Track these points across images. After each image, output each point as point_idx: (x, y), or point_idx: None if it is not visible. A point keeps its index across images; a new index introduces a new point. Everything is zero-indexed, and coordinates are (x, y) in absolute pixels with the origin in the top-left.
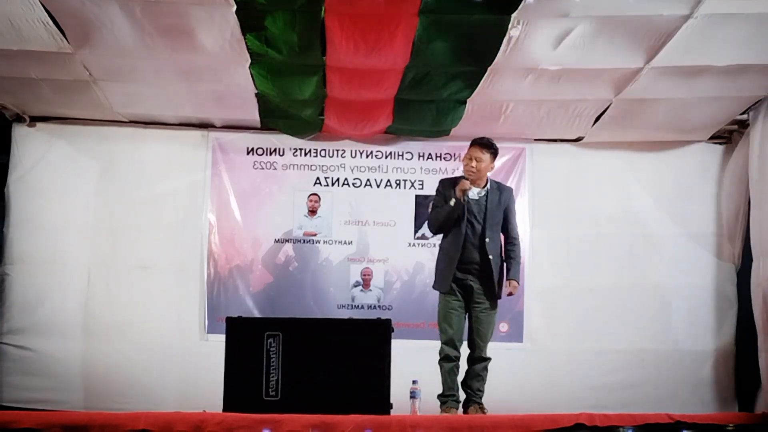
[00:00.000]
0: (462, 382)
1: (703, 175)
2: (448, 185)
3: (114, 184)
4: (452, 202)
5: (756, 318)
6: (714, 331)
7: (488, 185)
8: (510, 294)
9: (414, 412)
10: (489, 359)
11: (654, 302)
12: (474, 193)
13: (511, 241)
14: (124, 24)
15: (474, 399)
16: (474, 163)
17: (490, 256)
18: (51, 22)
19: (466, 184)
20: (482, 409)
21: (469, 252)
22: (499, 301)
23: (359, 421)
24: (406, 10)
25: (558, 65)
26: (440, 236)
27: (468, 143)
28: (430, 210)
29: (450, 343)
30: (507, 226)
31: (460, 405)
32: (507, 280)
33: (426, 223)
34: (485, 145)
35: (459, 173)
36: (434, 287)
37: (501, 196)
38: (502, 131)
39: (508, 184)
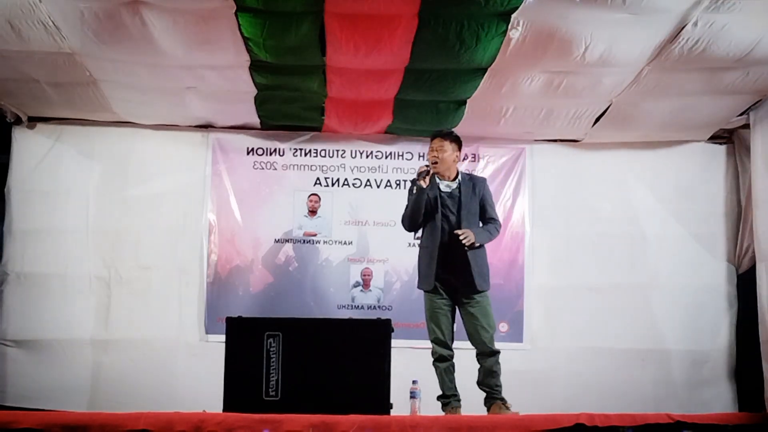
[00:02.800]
0: (478, 382)
1: (703, 175)
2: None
3: (114, 184)
4: (414, 189)
5: (760, 320)
6: (714, 331)
7: (459, 177)
8: (463, 238)
9: (414, 412)
10: (498, 352)
11: (654, 302)
12: (445, 185)
13: (488, 221)
14: (123, 25)
15: (494, 396)
16: (435, 153)
17: (466, 247)
18: (51, 23)
19: (423, 167)
20: (505, 405)
21: (449, 248)
22: (500, 302)
23: (359, 421)
24: (406, 10)
25: (558, 66)
26: None
27: (468, 144)
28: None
29: (440, 343)
30: (483, 215)
31: (463, 404)
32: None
33: (401, 221)
34: (444, 135)
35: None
36: (419, 287)
37: (475, 187)
38: (502, 131)
39: (507, 184)
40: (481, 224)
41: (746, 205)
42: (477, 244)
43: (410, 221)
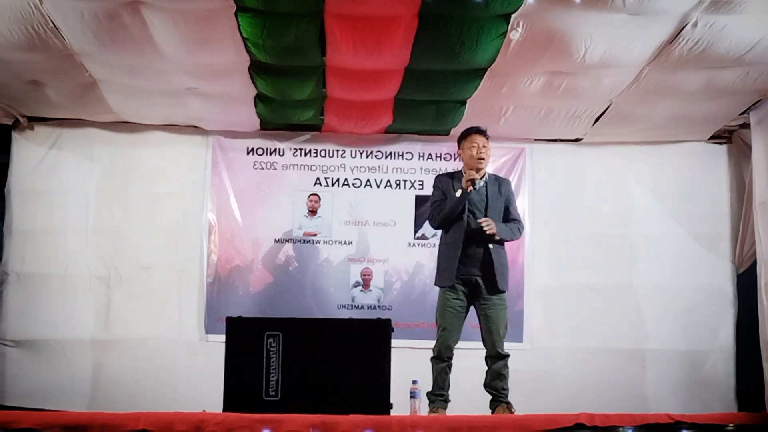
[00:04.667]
0: (484, 384)
1: (703, 175)
2: (445, 180)
3: (114, 184)
4: (458, 194)
5: (761, 321)
6: (714, 331)
7: (486, 176)
8: (485, 225)
9: (414, 412)
10: (507, 356)
11: (654, 302)
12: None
13: (511, 222)
14: (123, 25)
15: (500, 399)
16: (482, 150)
17: (491, 246)
18: (52, 24)
19: (474, 174)
20: (510, 407)
21: (471, 244)
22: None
23: (359, 421)
24: (406, 11)
25: (558, 67)
26: (440, 235)
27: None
28: (429, 206)
29: (444, 343)
30: (507, 216)
31: (463, 404)
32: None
33: (427, 220)
34: (484, 132)
35: None
36: (436, 283)
37: (501, 187)
38: (502, 131)
39: None
40: None
41: (746, 205)
42: (497, 237)
43: (444, 221)
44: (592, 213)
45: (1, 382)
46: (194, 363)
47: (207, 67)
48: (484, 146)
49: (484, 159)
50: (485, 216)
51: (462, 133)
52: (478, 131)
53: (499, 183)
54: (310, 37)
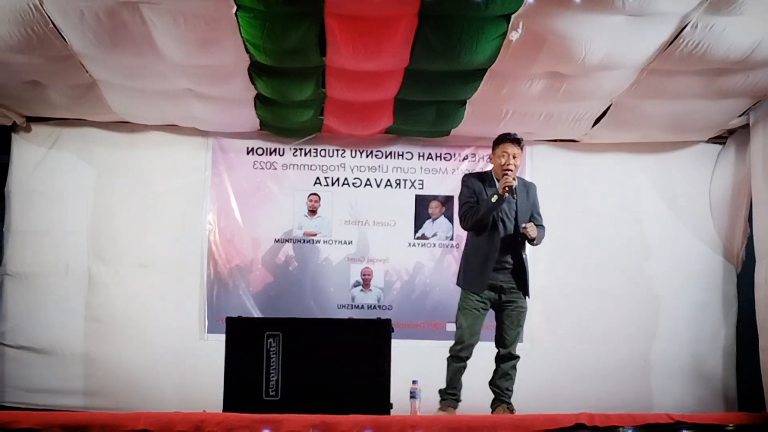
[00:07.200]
0: (490, 382)
1: (704, 175)
2: (476, 181)
3: (114, 184)
4: (494, 198)
5: (758, 317)
6: (714, 331)
7: (515, 182)
8: (529, 229)
9: (414, 412)
10: (518, 357)
11: (654, 302)
12: None
13: (537, 226)
14: (123, 25)
15: (502, 399)
16: (512, 160)
17: (524, 254)
18: (52, 24)
19: (511, 180)
20: (510, 408)
21: (503, 251)
22: None
23: (359, 421)
24: (406, 11)
25: (558, 68)
26: (441, 236)
27: (468, 144)
28: (460, 205)
29: (464, 344)
30: (532, 221)
31: (464, 404)
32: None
33: (460, 219)
34: (518, 141)
35: (459, 173)
36: (462, 285)
37: (528, 192)
38: (503, 131)
39: None
40: None
41: (745, 205)
42: (535, 244)
43: (477, 224)
44: (592, 213)
45: (1, 382)
46: (194, 363)
47: (207, 68)
48: (514, 156)
49: (512, 170)
50: (514, 222)
51: (498, 137)
52: (512, 140)
53: (527, 188)
54: (309, 38)
